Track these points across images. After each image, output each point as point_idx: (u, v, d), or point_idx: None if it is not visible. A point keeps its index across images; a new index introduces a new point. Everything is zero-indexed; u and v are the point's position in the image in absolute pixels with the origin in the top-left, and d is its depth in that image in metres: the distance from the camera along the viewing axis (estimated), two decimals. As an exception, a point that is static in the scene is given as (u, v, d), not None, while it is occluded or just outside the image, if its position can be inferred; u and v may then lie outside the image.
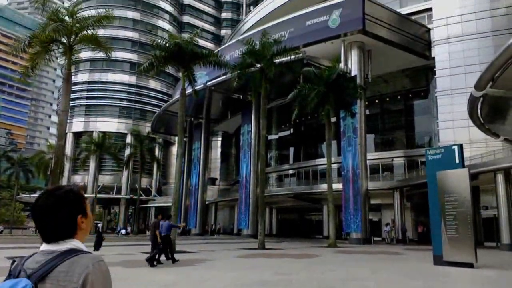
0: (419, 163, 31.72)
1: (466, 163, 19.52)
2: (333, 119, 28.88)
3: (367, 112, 32.45)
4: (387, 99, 37.53)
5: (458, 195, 12.37)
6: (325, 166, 26.51)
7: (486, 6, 28.11)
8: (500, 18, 27.50)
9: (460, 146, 12.90)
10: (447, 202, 12.57)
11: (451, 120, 27.87)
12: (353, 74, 29.09)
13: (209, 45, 71.69)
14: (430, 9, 31.56)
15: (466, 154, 21.61)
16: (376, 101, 37.40)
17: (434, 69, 30.14)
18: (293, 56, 27.06)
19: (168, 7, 70.57)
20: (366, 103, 31.04)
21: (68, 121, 39.25)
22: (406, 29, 31.48)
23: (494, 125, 21.31)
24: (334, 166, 31.46)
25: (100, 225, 33.22)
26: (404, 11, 33.74)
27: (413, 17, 33.14)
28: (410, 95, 36.56)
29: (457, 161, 12.69)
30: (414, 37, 31.94)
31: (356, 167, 28.17)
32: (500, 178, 21.89)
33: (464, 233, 12.05)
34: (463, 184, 12.38)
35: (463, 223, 12.11)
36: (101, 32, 23.20)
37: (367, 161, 29.31)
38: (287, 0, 43.23)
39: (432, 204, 13.20)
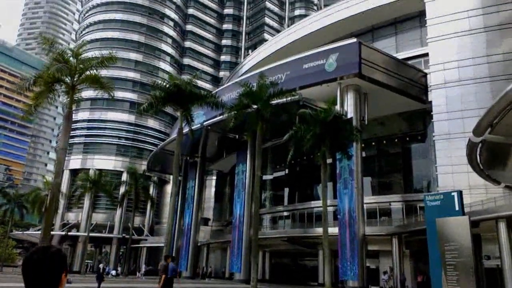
0: (418, 208, 30.86)
1: (466, 209, 18.77)
2: (329, 161, 28.37)
3: (364, 154, 32.05)
4: (384, 141, 37.25)
5: (459, 244, 11.63)
6: (321, 208, 25.71)
7: (483, 52, 28.39)
8: (497, 64, 27.67)
9: (460, 193, 12.35)
10: (447, 251, 11.81)
11: (450, 164, 27.34)
12: (349, 116, 28.91)
13: (208, 86, 73.01)
14: (426, 54, 31.92)
15: (466, 200, 20.91)
16: (373, 143, 37.10)
17: (431, 113, 30.05)
18: (289, 98, 27.15)
19: (170, 50, 72.58)
20: (363, 145, 30.68)
21: (65, 158, 39.04)
22: (403, 74, 31.70)
23: (494, 171, 20.76)
24: (330, 209, 30.60)
25: (101, 265, 32.35)
26: (401, 56, 34.20)
27: (409, 62, 33.52)
28: (407, 138, 36.31)
29: (457, 208, 12.09)
30: (411, 81, 32.11)
31: (352, 211, 27.29)
32: (502, 226, 20.99)
33: (466, 285, 11.19)
34: (464, 232, 11.69)
35: (465, 274, 11.29)
36: (103, 72, 23.61)
37: (364, 205, 28.49)
38: (284, 44, 44.19)
39: (432, 252, 12.44)
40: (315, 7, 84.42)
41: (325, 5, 77.38)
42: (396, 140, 36.67)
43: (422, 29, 34.19)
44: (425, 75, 32.33)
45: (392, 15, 36.99)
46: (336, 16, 39.56)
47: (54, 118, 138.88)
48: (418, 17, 35.45)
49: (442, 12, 30.96)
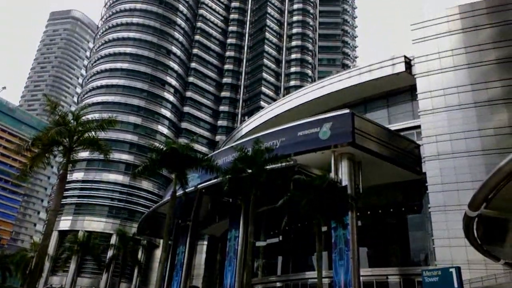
0: (416, 282, 29.57)
1: (466, 286, 17.97)
2: (324, 228, 27.75)
3: (359, 223, 31.40)
4: (380, 211, 36.67)
5: (461, 326, 10.93)
6: (316, 280, 24.60)
7: (474, 126, 29.06)
8: (490, 138, 28.18)
9: (458, 269, 11.89)
10: (449, 333, 11.07)
11: (447, 237, 26.71)
12: (343, 184, 28.80)
13: (204, 149, 74.10)
14: (418, 127, 32.61)
15: (465, 276, 20.07)
16: (368, 212, 36.47)
17: (426, 184, 29.98)
18: (284, 164, 27.32)
19: (169, 114, 74.66)
20: (358, 214, 30.22)
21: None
22: (396, 144, 32.13)
23: (493, 246, 20.18)
24: (326, 280, 29.31)
25: None
26: (393, 127, 34.81)
27: (402, 133, 34.12)
28: (403, 209, 35.81)
29: (456, 286, 11.57)
30: (404, 152, 32.44)
31: (349, 284, 26.06)
32: (504, 305, 20.05)
33: None
34: (465, 312, 11.03)
35: None
36: (101, 134, 23.96)
37: (361, 277, 27.30)
38: (280, 112, 45.34)
39: (431, 334, 11.65)
40: (309, 79, 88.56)
41: (319, 77, 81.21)
42: (391, 210, 36.16)
43: (414, 102, 35.23)
44: (418, 146, 32.76)
45: (383, 88, 38.29)
46: (329, 88, 40.89)
47: (48, 178, 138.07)
48: (410, 91, 36.66)
49: (432, 87, 32.19)
